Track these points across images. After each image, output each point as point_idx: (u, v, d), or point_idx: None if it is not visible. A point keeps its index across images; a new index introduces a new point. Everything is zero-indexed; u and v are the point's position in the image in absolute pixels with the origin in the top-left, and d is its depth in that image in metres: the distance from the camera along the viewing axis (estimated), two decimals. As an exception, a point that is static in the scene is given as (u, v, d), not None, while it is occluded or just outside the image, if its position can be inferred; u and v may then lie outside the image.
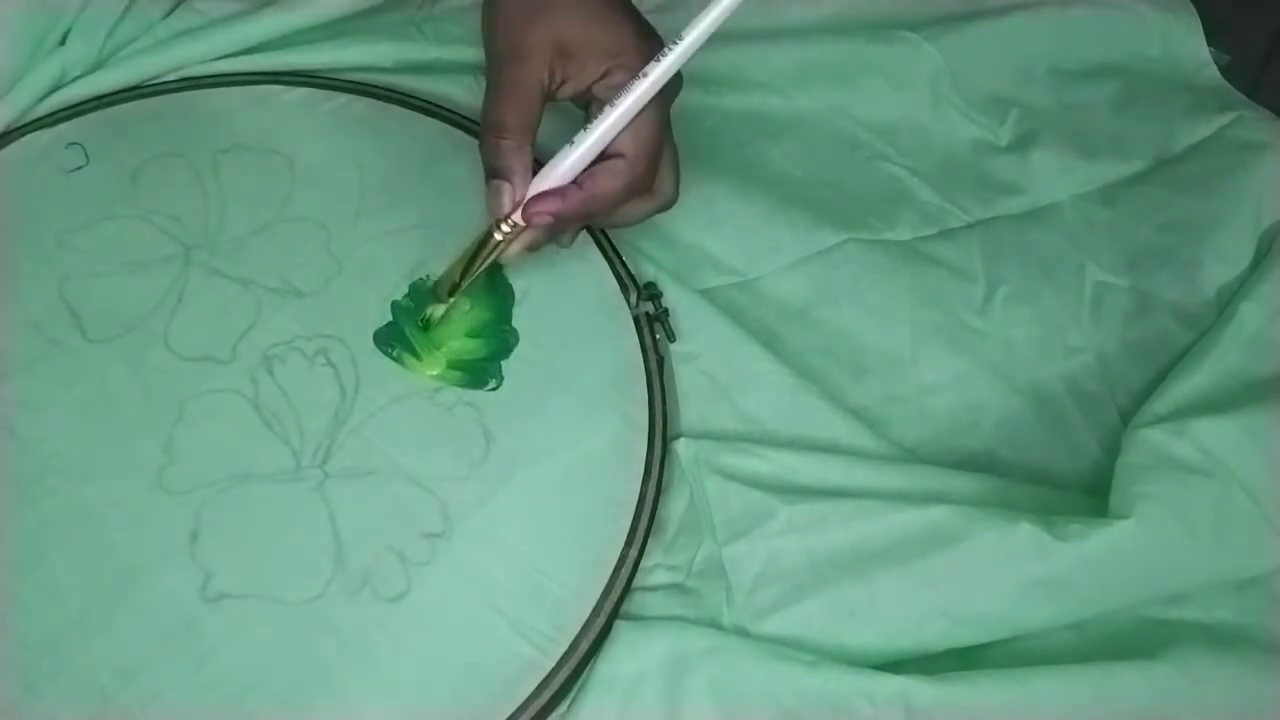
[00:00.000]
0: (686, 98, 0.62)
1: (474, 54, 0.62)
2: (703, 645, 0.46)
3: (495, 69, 0.49)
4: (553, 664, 0.45)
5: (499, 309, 0.53)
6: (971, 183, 0.64)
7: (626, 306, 0.54)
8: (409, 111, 0.59)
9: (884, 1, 0.67)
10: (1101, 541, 0.47)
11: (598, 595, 0.46)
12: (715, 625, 0.47)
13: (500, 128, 0.47)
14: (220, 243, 0.53)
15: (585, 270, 0.55)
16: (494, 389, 0.51)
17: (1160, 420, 0.52)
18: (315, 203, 0.55)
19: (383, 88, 0.60)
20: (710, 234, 0.59)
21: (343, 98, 0.59)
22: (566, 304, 0.54)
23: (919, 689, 0.45)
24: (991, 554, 0.47)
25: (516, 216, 0.48)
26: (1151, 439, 0.51)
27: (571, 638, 0.45)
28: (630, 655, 0.46)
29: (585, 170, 0.47)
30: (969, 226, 0.62)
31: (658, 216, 0.58)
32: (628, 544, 0.48)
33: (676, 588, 0.49)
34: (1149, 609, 0.49)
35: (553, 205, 0.47)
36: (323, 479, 0.47)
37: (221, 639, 0.43)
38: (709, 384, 0.54)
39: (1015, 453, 0.55)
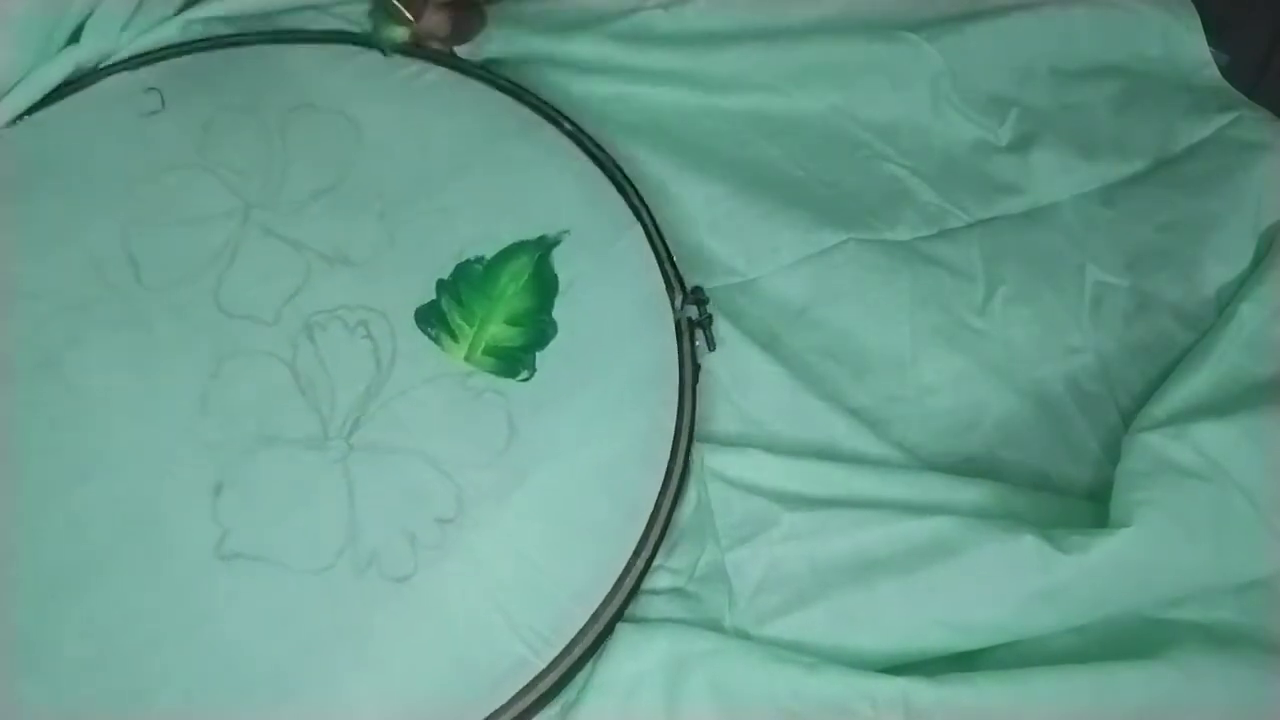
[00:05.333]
0: (688, 99, 0.62)
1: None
2: (703, 647, 0.44)
3: None
4: (543, 666, 0.43)
5: (542, 298, 0.51)
6: (972, 183, 0.61)
7: (670, 309, 0.51)
8: (481, 84, 0.56)
9: (884, 2, 0.64)
10: (1103, 551, 0.46)
11: (599, 601, 0.44)
12: (716, 629, 0.45)
13: None
14: (280, 203, 0.51)
15: (633, 267, 0.52)
16: (525, 380, 0.49)
17: (1160, 424, 0.50)
18: (376, 171, 0.53)
19: (458, 58, 0.57)
20: (711, 234, 0.56)
21: (416, 65, 0.57)
22: (610, 300, 0.51)
23: (919, 690, 0.44)
24: (994, 565, 0.46)
25: None
26: (1151, 443, 0.49)
27: (566, 641, 0.43)
28: (631, 656, 0.44)
29: None
30: (969, 226, 0.60)
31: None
32: (636, 552, 0.45)
33: (678, 591, 0.47)
34: (1150, 610, 0.48)
35: None
36: (347, 451, 0.46)
37: (228, 597, 0.42)
38: (709, 384, 0.52)
39: (1015, 453, 0.53)
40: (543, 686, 0.42)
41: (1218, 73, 0.66)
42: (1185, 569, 0.47)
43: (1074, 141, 0.63)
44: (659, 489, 0.46)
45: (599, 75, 0.60)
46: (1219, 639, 0.47)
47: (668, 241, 0.54)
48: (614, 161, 0.54)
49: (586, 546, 0.45)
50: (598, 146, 0.54)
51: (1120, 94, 0.65)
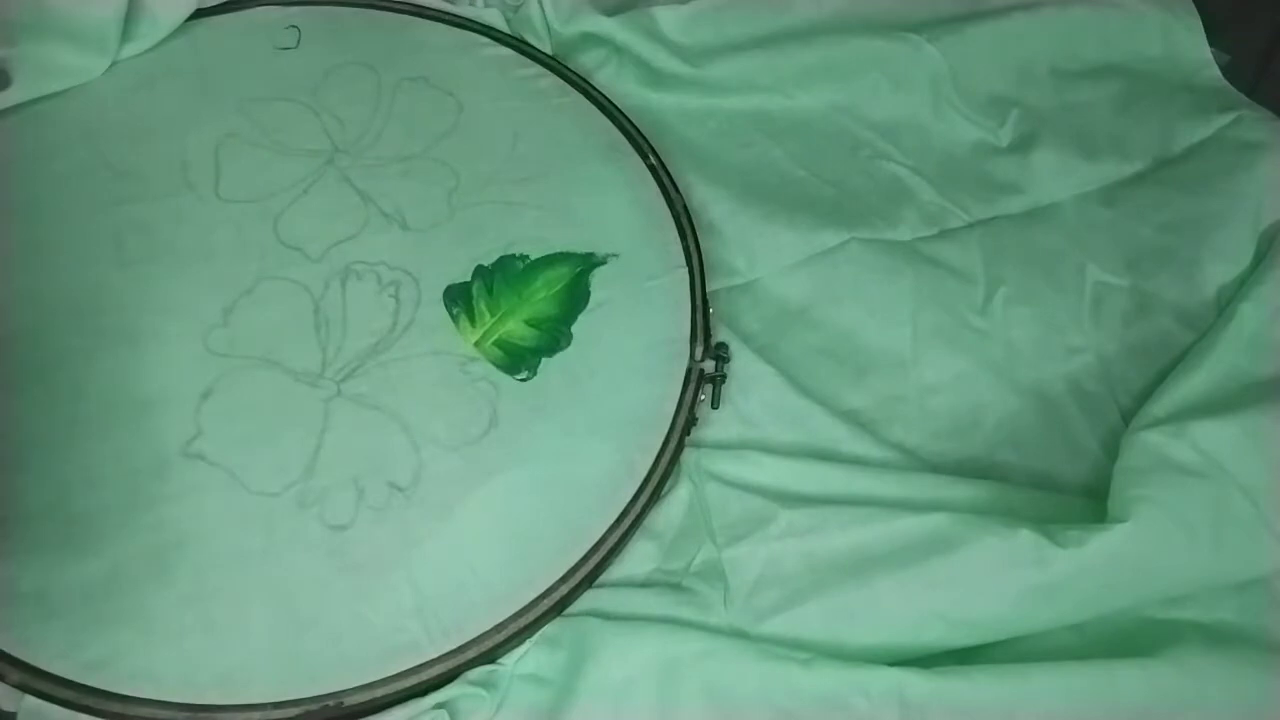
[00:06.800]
0: (689, 101, 0.61)
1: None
2: (696, 647, 0.43)
3: None
4: (433, 654, 0.42)
5: (568, 310, 0.50)
6: (972, 183, 0.61)
7: (688, 356, 0.50)
8: (585, 100, 0.57)
9: (885, 2, 0.64)
10: (1100, 546, 0.45)
11: (510, 613, 0.43)
12: (710, 626, 0.45)
13: None
14: (364, 156, 0.53)
15: (665, 306, 0.51)
16: (522, 380, 0.48)
17: (1159, 423, 0.49)
18: (461, 152, 0.54)
19: (574, 71, 0.58)
20: (711, 235, 0.56)
21: (536, 68, 0.58)
22: (632, 331, 0.50)
23: (914, 682, 0.43)
24: (991, 560, 0.45)
25: None
26: (1150, 441, 0.48)
27: (463, 640, 0.42)
28: (623, 658, 0.43)
29: None
30: (969, 226, 0.59)
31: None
32: (563, 579, 0.44)
33: (673, 587, 0.46)
34: (1149, 609, 0.47)
35: None
36: (334, 394, 0.46)
37: (178, 492, 0.43)
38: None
39: (1016, 453, 0.52)
40: (425, 674, 0.42)
41: (1218, 73, 0.65)
42: (1183, 566, 0.46)
43: (1074, 142, 0.62)
44: (607, 528, 0.45)
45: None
46: (1219, 639, 0.46)
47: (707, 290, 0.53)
48: (684, 203, 0.54)
49: (521, 557, 0.44)
50: (674, 185, 0.55)
51: (1120, 94, 0.64)
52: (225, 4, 0.57)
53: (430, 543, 0.44)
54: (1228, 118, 0.63)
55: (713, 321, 0.52)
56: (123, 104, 0.54)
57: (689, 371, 0.49)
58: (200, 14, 0.56)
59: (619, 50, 0.61)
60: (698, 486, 0.48)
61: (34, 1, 0.52)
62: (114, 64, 0.54)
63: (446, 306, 0.50)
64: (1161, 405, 0.51)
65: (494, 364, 0.49)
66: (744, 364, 0.52)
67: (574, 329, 0.50)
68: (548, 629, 0.44)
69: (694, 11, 0.63)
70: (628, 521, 0.46)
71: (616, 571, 0.46)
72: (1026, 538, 0.45)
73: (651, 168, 0.56)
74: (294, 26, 0.57)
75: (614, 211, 0.53)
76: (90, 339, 0.47)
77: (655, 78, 0.61)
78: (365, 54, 0.57)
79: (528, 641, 0.44)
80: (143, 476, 0.44)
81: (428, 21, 0.59)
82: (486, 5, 0.61)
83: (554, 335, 0.50)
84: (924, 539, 0.46)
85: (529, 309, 0.50)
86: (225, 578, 0.42)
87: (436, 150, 0.55)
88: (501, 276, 0.51)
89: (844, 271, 0.56)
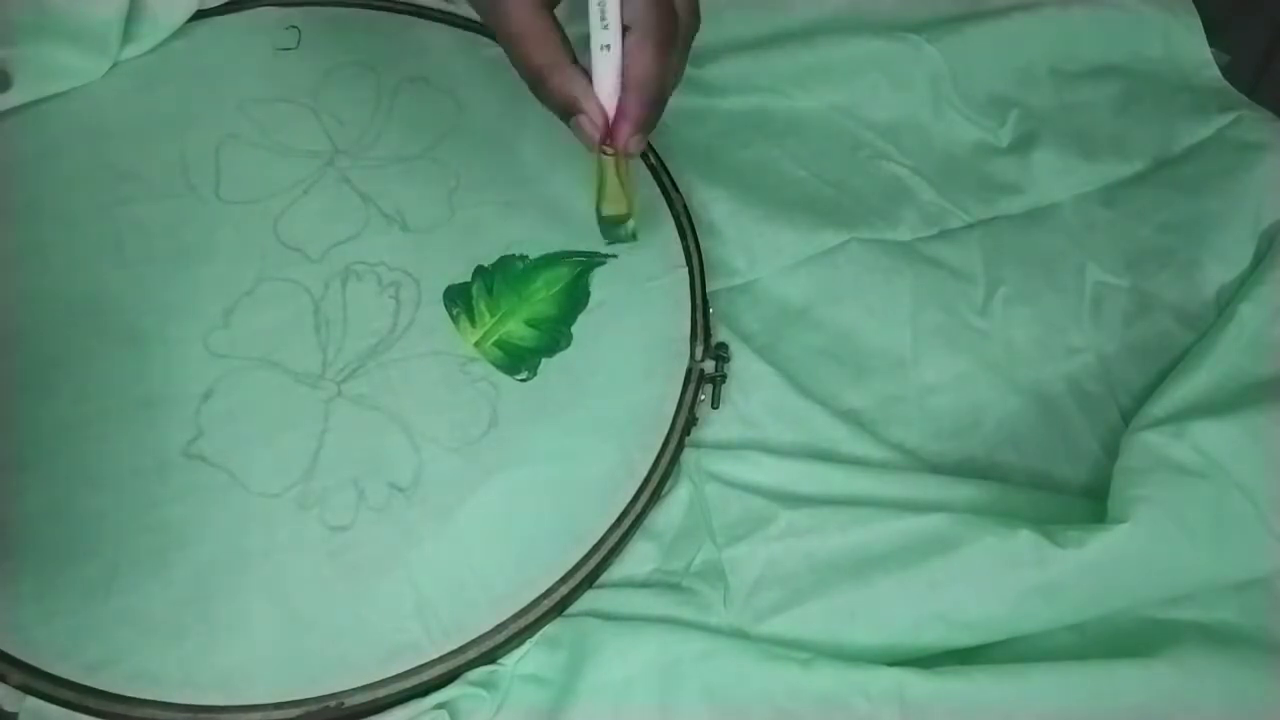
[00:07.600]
0: (689, 101, 0.61)
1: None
2: (696, 648, 0.43)
3: (493, 18, 0.43)
4: (434, 655, 0.42)
5: (567, 310, 0.50)
6: (972, 183, 0.60)
7: (688, 356, 0.50)
8: None
9: (884, 2, 0.64)
10: (1100, 547, 0.44)
11: (511, 613, 0.43)
12: (711, 626, 0.45)
13: (541, 75, 0.42)
14: (364, 157, 0.53)
15: (665, 306, 0.51)
16: (523, 380, 0.48)
17: (1159, 423, 0.49)
18: (462, 152, 0.54)
19: None
20: (711, 235, 0.55)
21: None
22: (631, 331, 0.50)
23: (914, 683, 0.42)
24: (991, 560, 0.45)
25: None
26: (1150, 442, 0.48)
27: (464, 640, 0.42)
28: (623, 658, 0.43)
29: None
30: (969, 226, 0.59)
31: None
32: (564, 579, 0.44)
33: (673, 587, 0.46)
34: (1149, 609, 0.47)
35: (628, 130, 0.42)
36: (335, 395, 0.46)
37: (179, 493, 0.43)
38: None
39: (1016, 453, 0.52)
40: (426, 674, 0.41)
41: (1218, 73, 0.65)
42: (1183, 566, 0.45)
43: (1074, 142, 0.62)
44: (607, 528, 0.45)
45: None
46: (1219, 639, 0.45)
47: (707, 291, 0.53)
48: (684, 203, 0.54)
49: (521, 558, 0.44)
50: (674, 185, 0.55)
51: (1120, 94, 0.64)
52: (225, 5, 0.57)
53: (430, 543, 0.44)
54: (1228, 118, 0.62)
55: (713, 321, 0.52)
56: (123, 105, 0.53)
57: (689, 371, 0.49)
58: (200, 14, 0.56)
59: None
60: (698, 486, 0.48)
61: (34, 2, 0.52)
62: (114, 65, 0.54)
63: (446, 307, 0.50)
64: (1161, 405, 0.50)
65: (494, 364, 0.49)
66: (744, 364, 0.52)
67: (574, 329, 0.50)
68: (548, 629, 0.44)
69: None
70: (628, 521, 0.46)
71: (616, 572, 0.46)
72: (1026, 538, 0.45)
73: (651, 168, 0.55)
74: (294, 27, 0.57)
75: None
76: (90, 340, 0.47)
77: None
78: (365, 54, 0.57)
79: (528, 642, 0.44)
80: (144, 477, 0.44)
81: (428, 22, 0.59)
82: None
83: (554, 335, 0.50)
84: (924, 539, 0.46)
85: (529, 309, 0.50)
86: (226, 578, 0.42)
87: (436, 150, 0.55)
88: (501, 277, 0.51)
89: (844, 271, 0.56)
